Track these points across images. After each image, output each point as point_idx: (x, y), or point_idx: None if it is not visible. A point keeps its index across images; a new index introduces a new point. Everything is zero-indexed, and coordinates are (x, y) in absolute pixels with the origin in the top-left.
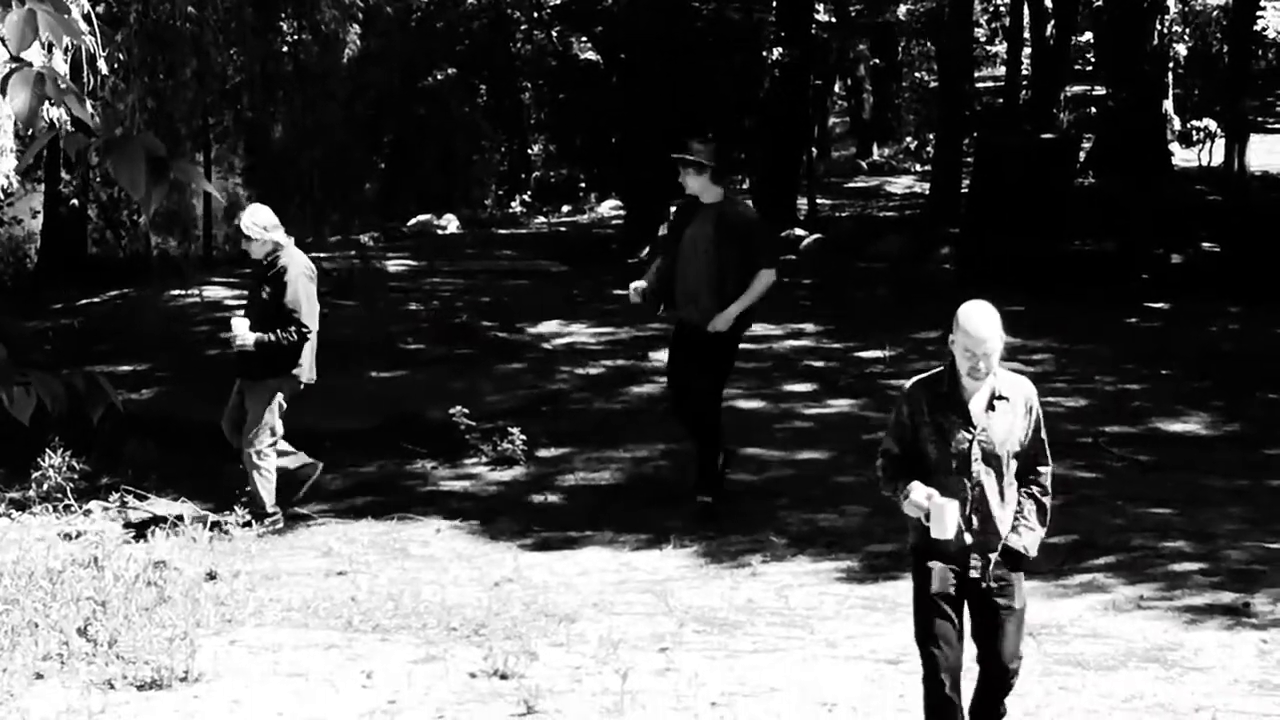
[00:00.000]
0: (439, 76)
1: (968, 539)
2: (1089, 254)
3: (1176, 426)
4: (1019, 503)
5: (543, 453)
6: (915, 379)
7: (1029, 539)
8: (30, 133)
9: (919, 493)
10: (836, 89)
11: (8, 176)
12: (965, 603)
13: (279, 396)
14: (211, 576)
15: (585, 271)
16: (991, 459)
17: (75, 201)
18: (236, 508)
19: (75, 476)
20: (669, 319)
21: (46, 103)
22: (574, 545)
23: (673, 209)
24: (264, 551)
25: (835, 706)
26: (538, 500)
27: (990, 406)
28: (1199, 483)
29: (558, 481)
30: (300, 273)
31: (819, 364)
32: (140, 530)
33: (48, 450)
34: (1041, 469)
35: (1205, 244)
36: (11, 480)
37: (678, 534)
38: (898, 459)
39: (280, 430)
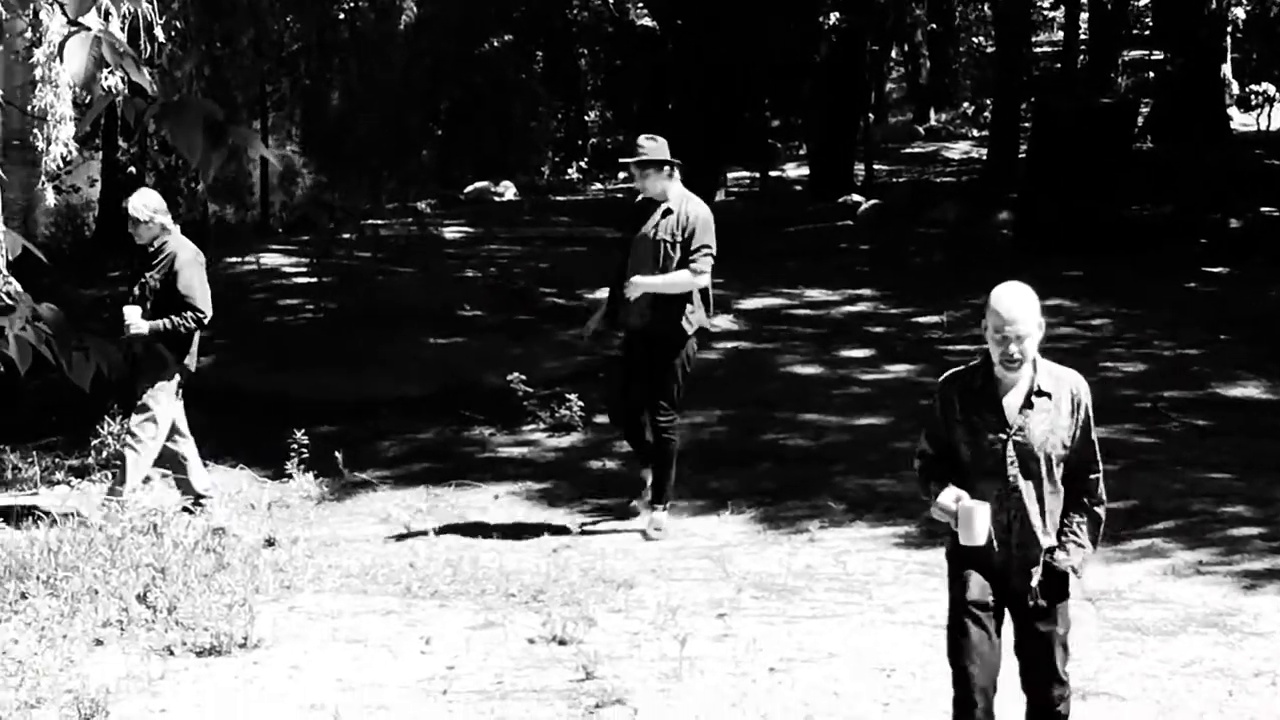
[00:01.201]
0: (496, 43)
1: (1001, 549)
2: (1147, 219)
3: (1235, 391)
4: (1069, 515)
5: (600, 419)
6: (948, 372)
7: (1077, 557)
8: (88, 100)
9: (947, 496)
10: (893, 54)
11: (66, 144)
12: (1005, 616)
13: (174, 386)
14: (270, 543)
15: None
16: (1029, 462)
17: (133, 169)
18: (293, 473)
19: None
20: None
21: (104, 69)
22: (632, 511)
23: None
24: (322, 518)
25: (894, 671)
26: (595, 466)
27: (1028, 404)
28: (1258, 447)
29: (615, 448)
30: (191, 258)
31: (876, 329)
32: (198, 497)
33: (106, 417)
34: (1093, 475)
35: (1264, 208)
36: (71, 447)
37: (735, 500)
38: (933, 460)
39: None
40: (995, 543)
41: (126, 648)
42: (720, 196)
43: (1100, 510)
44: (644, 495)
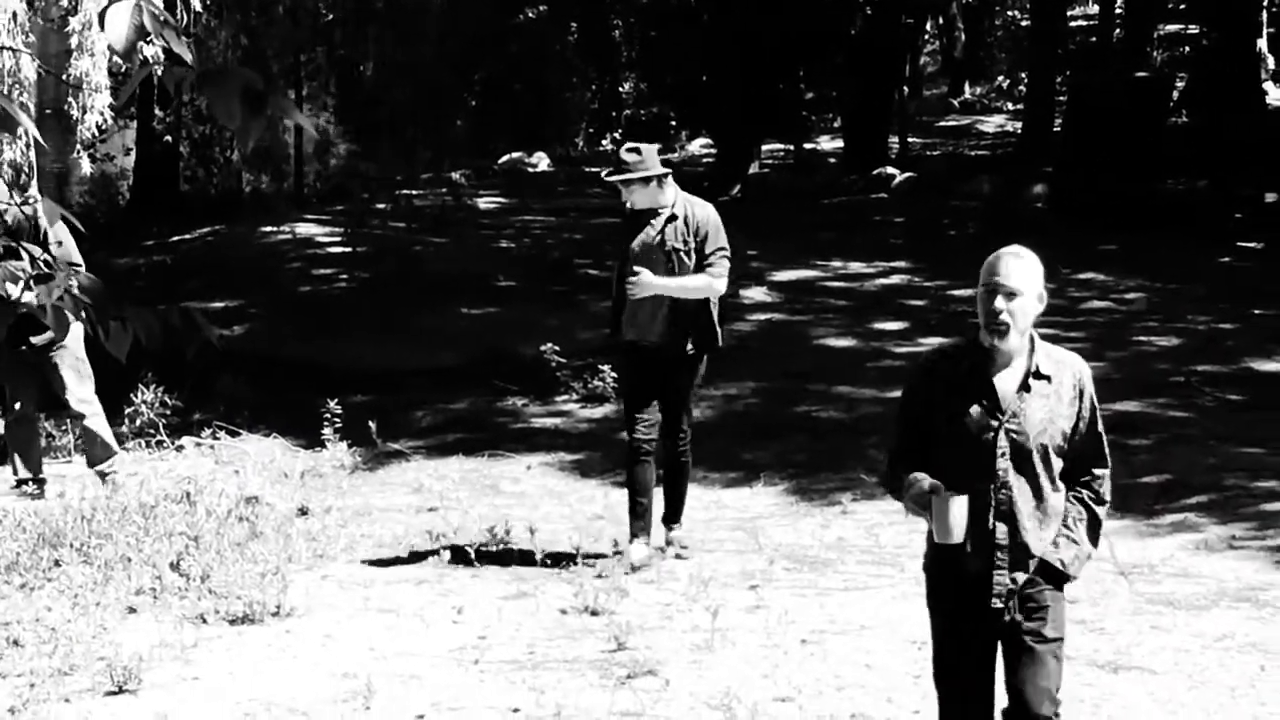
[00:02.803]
0: (532, 14)
1: (984, 554)
2: (1182, 193)
3: (1269, 366)
4: (1066, 512)
5: None
6: (929, 349)
7: (1069, 553)
8: (125, 70)
9: (920, 486)
10: (928, 27)
11: (102, 113)
12: (995, 635)
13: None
14: (303, 512)
15: None
16: (1023, 455)
17: (168, 138)
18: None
19: (168, 412)
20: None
21: (144, 38)
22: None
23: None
24: (355, 487)
25: (925, 644)
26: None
27: (1024, 386)
28: None
29: None
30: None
31: (910, 302)
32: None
33: (141, 386)
34: (1098, 471)
35: None
36: (106, 416)
37: (768, 472)
38: (907, 452)
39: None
40: (979, 548)
41: (159, 615)
42: (754, 169)
43: (1102, 511)
44: (639, 540)
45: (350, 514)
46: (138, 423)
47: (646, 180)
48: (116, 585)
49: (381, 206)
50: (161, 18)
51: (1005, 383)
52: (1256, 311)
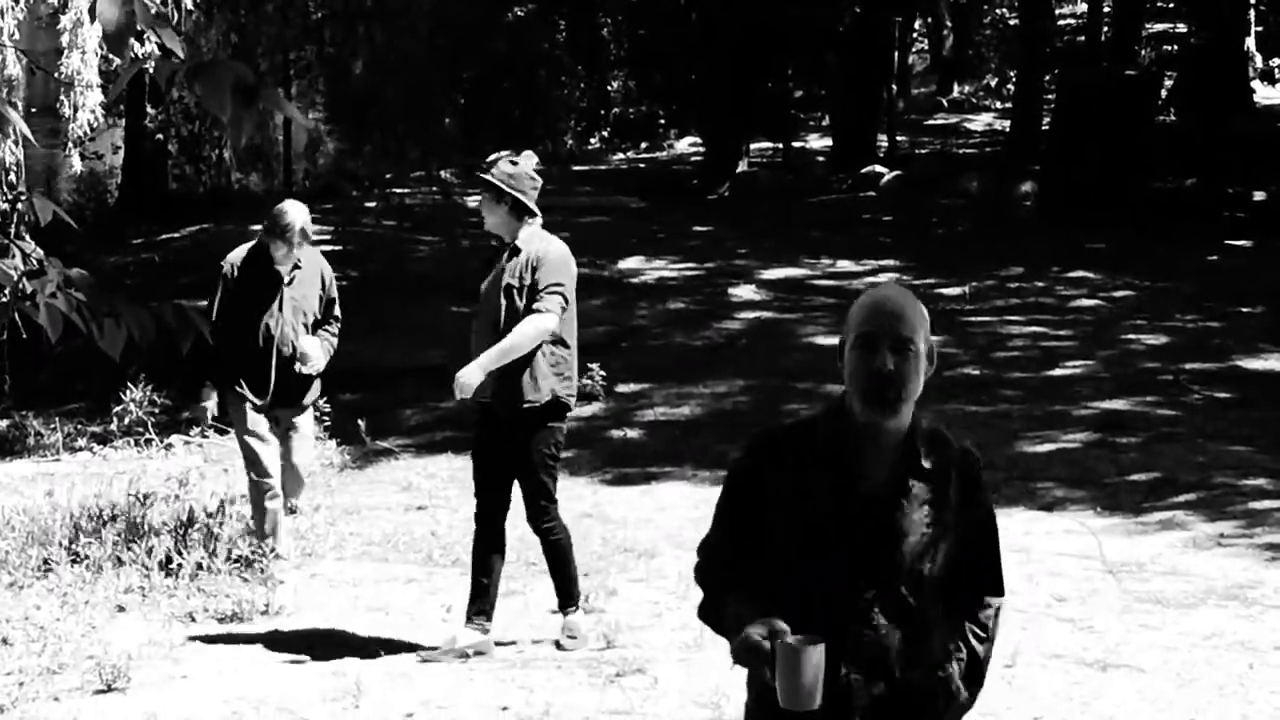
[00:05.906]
0: (520, 12)
1: (840, 710)
2: (1171, 191)
3: (1258, 364)
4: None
5: (622, 388)
6: (763, 429)
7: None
8: (115, 67)
9: (757, 630)
10: (916, 25)
11: (93, 111)
12: None
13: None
14: (292, 511)
15: (665, 207)
16: (897, 578)
17: (158, 136)
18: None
19: (156, 411)
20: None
21: (134, 30)
22: (653, 481)
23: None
24: (344, 486)
25: None
26: (617, 436)
27: (901, 481)
28: None
29: (637, 417)
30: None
31: None
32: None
33: (129, 384)
34: (990, 602)
35: None
36: (93, 414)
37: None
38: (730, 562)
39: None
40: (828, 701)
41: (148, 614)
42: (743, 167)
43: (985, 649)
44: (474, 623)
45: (339, 512)
46: (126, 421)
47: (500, 197)
48: (105, 584)
49: (371, 205)
50: (154, 9)
51: (874, 472)
52: (1245, 310)
